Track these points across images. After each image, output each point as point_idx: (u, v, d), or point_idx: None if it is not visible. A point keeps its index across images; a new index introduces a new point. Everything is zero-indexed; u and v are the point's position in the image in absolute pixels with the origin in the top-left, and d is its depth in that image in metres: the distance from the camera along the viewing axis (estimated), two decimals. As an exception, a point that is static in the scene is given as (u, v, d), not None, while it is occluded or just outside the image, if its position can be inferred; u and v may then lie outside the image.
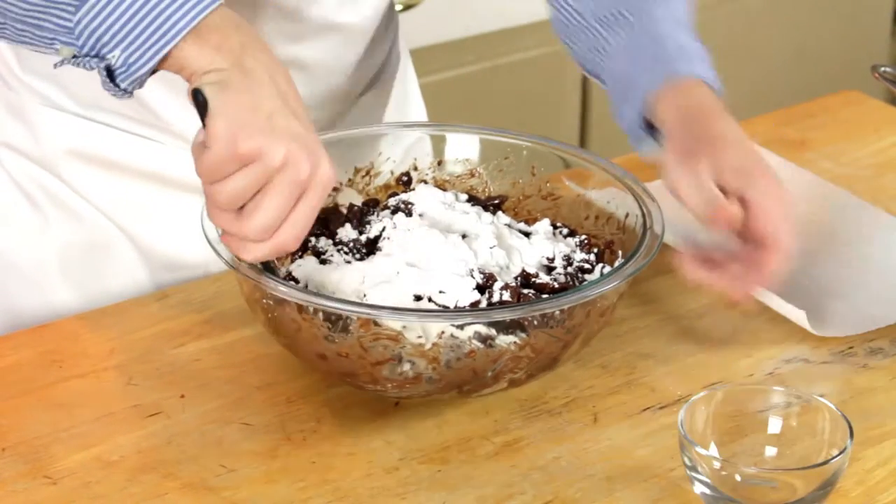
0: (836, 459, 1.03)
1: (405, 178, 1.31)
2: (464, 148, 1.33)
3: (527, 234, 1.24)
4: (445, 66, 2.39)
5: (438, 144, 1.34)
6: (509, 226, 1.24)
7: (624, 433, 1.15)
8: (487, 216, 1.23)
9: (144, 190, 1.36)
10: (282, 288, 1.10)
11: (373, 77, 1.45)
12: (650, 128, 1.25)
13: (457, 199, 1.26)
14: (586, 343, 1.17)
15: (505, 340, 1.11)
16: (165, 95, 1.31)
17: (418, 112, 1.54)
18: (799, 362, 1.24)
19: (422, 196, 1.24)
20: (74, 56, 1.07)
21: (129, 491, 1.09)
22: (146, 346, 1.25)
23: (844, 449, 1.03)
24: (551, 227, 1.25)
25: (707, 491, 1.04)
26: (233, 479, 1.10)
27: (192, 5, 1.04)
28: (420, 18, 2.30)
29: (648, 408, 1.18)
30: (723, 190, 1.17)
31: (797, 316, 1.25)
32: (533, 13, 2.66)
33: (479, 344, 1.10)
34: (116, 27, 1.05)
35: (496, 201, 1.29)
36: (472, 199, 1.27)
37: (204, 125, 1.05)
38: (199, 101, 1.05)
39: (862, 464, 1.12)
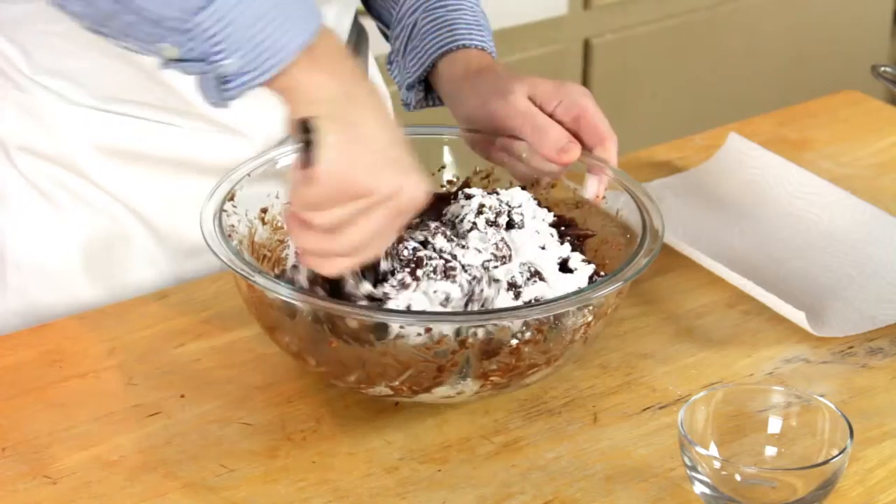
0: (836, 459, 1.03)
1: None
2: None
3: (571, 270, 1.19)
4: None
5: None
6: (567, 260, 1.18)
7: (624, 433, 1.15)
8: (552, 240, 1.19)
9: (164, 176, 1.36)
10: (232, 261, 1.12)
11: (353, 48, 1.47)
12: (422, 84, 1.37)
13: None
14: (480, 378, 1.12)
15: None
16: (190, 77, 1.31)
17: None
18: (799, 362, 1.24)
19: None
20: (177, 59, 1.04)
21: (129, 491, 1.09)
22: (146, 346, 1.25)
23: (844, 449, 1.04)
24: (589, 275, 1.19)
25: (707, 491, 1.04)
26: (233, 479, 1.10)
27: (306, 23, 1.03)
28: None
29: (648, 408, 1.18)
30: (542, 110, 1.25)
31: (797, 316, 1.25)
32: (532, 13, 2.66)
33: (351, 341, 1.10)
34: (238, 33, 1.02)
35: (584, 234, 1.25)
36: (564, 225, 1.23)
37: (308, 156, 1.03)
38: (308, 132, 1.03)
39: (862, 464, 1.12)
